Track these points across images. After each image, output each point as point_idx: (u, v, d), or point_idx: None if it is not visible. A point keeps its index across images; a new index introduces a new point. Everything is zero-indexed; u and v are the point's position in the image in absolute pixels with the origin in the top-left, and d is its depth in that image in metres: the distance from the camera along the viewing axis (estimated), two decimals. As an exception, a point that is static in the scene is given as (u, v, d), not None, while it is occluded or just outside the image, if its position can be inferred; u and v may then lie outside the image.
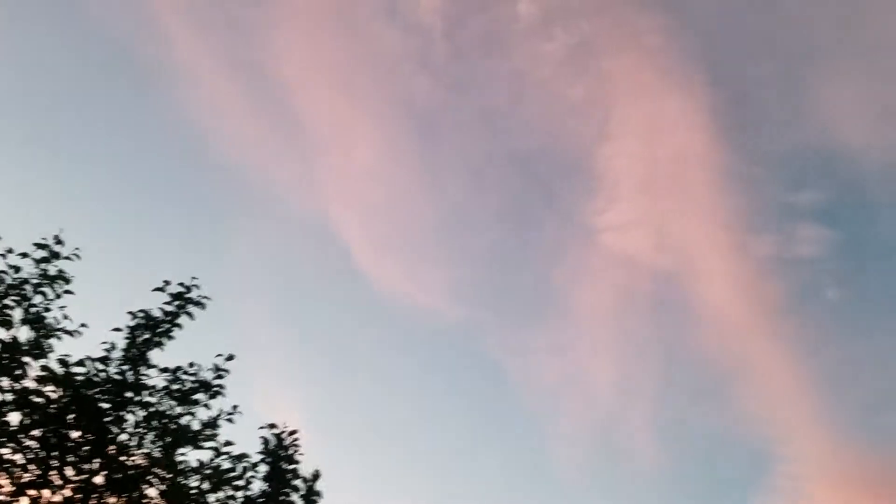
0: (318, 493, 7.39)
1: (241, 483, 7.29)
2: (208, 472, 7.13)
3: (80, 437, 6.93)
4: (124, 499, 6.91)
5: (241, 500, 7.19)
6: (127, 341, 7.37)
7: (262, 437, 7.54)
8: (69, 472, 6.83)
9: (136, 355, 7.32)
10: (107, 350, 7.25)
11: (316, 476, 7.42)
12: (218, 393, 7.64)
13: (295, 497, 7.39)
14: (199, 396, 7.50)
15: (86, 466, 6.93)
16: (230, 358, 7.73)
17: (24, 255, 7.30)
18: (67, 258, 7.48)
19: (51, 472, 6.77)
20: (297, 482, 7.42)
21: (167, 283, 7.79)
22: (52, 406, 6.86)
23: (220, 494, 7.08)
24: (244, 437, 7.76)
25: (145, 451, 7.05)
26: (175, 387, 7.46)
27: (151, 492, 6.96)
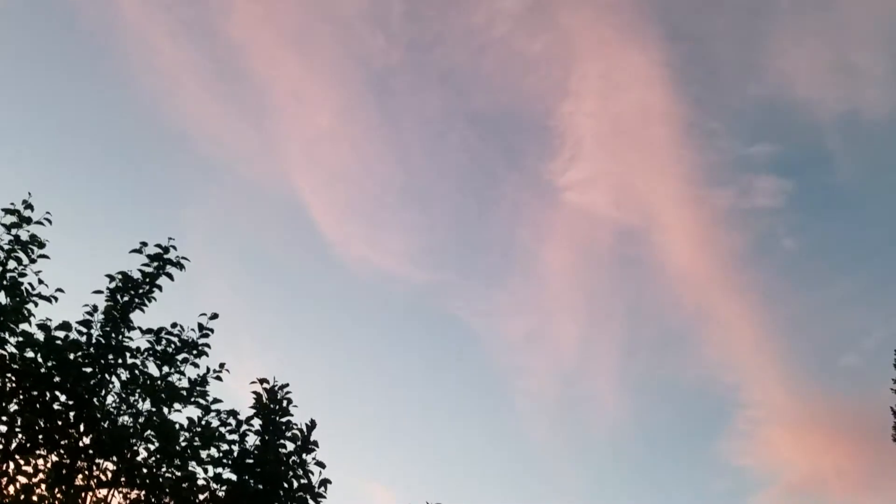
0: (314, 443, 7.36)
1: (234, 437, 7.23)
2: (198, 430, 7.04)
3: (65, 401, 6.81)
4: (114, 461, 6.82)
5: (237, 453, 7.13)
6: (108, 304, 7.23)
7: (254, 392, 7.47)
8: (56, 436, 6.71)
9: (117, 317, 7.18)
10: (88, 313, 7.12)
11: (311, 426, 7.38)
12: (203, 353, 7.54)
13: (291, 447, 7.34)
14: (184, 356, 7.40)
15: (72, 431, 6.82)
16: (214, 317, 7.64)
17: (-6, 221, 7.09)
18: (39, 223, 7.30)
19: (38, 438, 6.64)
20: (293, 433, 7.36)
21: (144, 244, 7.64)
22: (35, 372, 6.71)
23: (213, 451, 7.01)
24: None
25: (132, 412, 6.95)
26: (159, 348, 7.35)
27: (142, 452, 6.87)
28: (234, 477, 7.04)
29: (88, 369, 6.96)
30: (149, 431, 6.85)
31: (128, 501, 6.78)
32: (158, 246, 7.66)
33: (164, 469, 6.81)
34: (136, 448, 6.85)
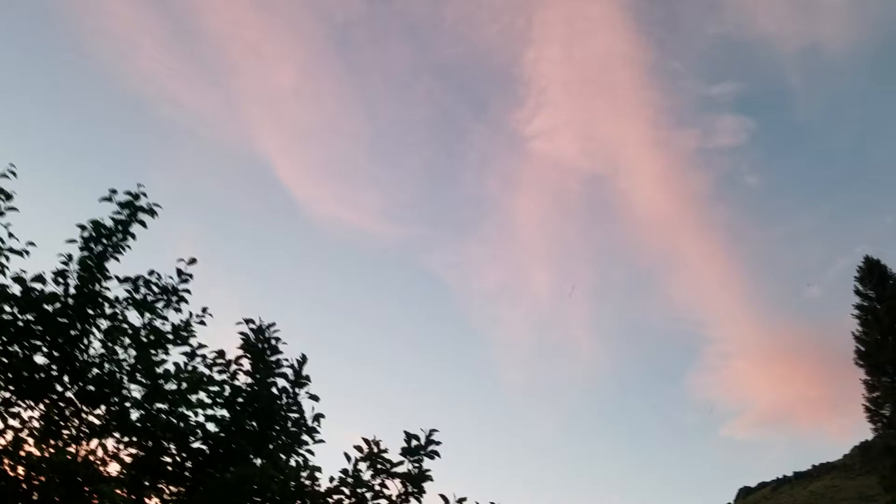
0: (306, 377, 7.31)
1: (224, 377, 7.15)
2: (184, 375, 6.95)
3: (46, 354, 6.67)
4: (102, 410, 6.72)
5: (228, 392, 7.06)
6: (83, 254, 7.06)
7: (241, 333, 7.38)
8: (40, 390, 6.58)
9: (93, 267, 7.02)
10: (64, 262, 6.95)
11: (302, 360, 7.32)
12: (183, 299, 7.42)
13: (283, 383, 7.29)
14: (165, 302, 7.28)
15: (56, 385, 6.69)
16: (192, 262, 7.51)
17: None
18: (4, 175, 7.09)
19: (22, 392, 6.51)
20: (284, 370, 7.31)
21: (114, 191, 7.47)
22: (13, 325, 6.55)
23: (202, 395, 6.93)
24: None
25: (117, 359, 6.83)
26: (138, 296, 7.22)
27: (130, 400, 6.77)
28: (227, 415, 6.97)
29: (67, 320, 6.81)
30: (136, 376, 6.75)
31: (121, 447, 6.68)
32: (128, 193, 7.49)
33: (154, 411, 6.72)
34: (124, 393, 6.75)
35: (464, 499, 6.65)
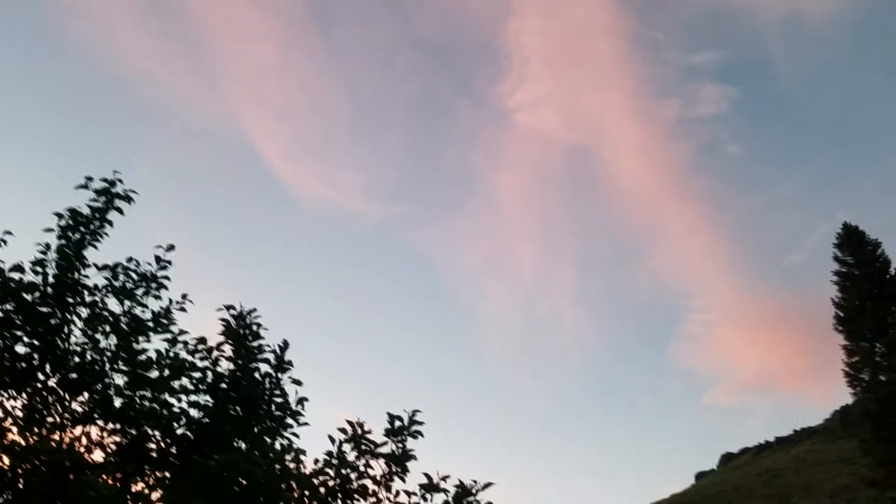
0: (288, 362, 7.34)
1: (207, 364, 7.18)
2: (166, 362, 6.97)
3: (27, 343, 6.67)
4: (85, 397, 6.73)
5: (211, 379, 7.09)
6: (60, 243, 7.03)
7: (221, 319, 7.39)
8: (23, 379, 6.59)
9: (71, 255, 7.00)
10: (42, 251, 6.93)
11: (284, 346, 7.35)
12: (162, 285, 7.42)
13: (266, 368, 7.33)
14: (144, 290, 7.28)
15: (38, 374, 6.70)
16: (171, 248, 7.50)
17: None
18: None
19: (5, 381, 6.51)
20: (267, 355, 7.34)
21: (90, 179, 7.43)
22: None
23: (185, 381, 6.96)
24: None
25: (99, 347, 6.84)
26: (117, 284, 7.21)
27: (113, 387, 6.79)
28: (210, 401, 7.01)
29: (47, 309, 6.80)
30: (118, 363, 6.76)
31: (105, 434, 6.71)
32: (104, 180, 7.46)
33: (138, 398, 6.75)
34: (107, 382, 6.76)
35: (447, 476, 6.73)
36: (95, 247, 7.29)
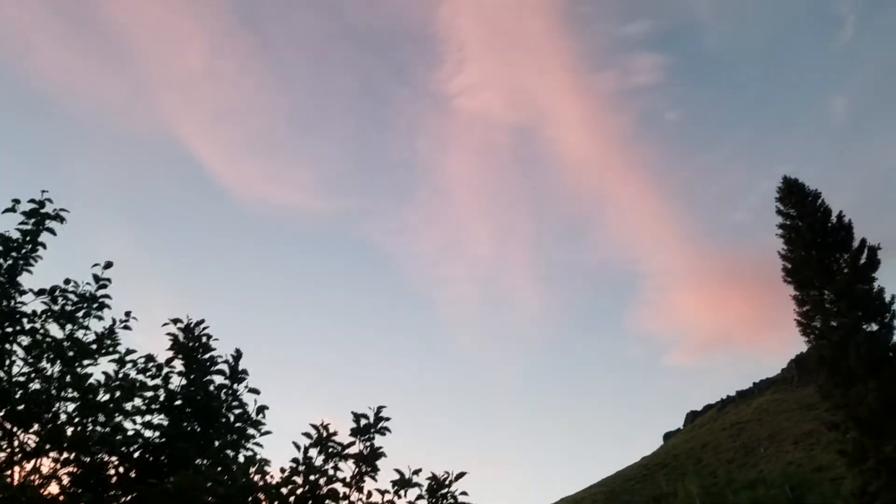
0: (243, 371, 7.12)
1: (157, 382, 6.92)
2: (115, 384, 6.70)
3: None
4: (35, 429, 6.43)
5: (163, 397, 6.83)
6: (-10, 271, 6.69)
7: (169, 334, 7.13)
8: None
9: (4, 282, 6.67)
10: (-28, 283, 6.57)
11: (237, 356, 7.13)
12: (104, 305, 7.13)
13: (221, 380, 7.09)
14: (85, 311, 6.98)
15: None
16: (108, 265, 7.20)
17: None
18: None
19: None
20: (220, 367, 7.10)
21: (17, 201, 7.07)
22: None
23: (137, 401, 6.70)
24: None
25: (43, 376, 6.54)
26: (56, 307, 6.90)
27: (62, 416, 6.50)
28: (165, 421, 6.76)
29: (-16, 342, 6.47)
30: (65, 391, 6.47)
31: (58, 465, 6.42)
32: (32, 201, 7.12)
33: (89, 425, 6.48)
34: (56, 411, 6.47)
35: (419, 470, 6.61)
36: (30, 271, 6.96)
